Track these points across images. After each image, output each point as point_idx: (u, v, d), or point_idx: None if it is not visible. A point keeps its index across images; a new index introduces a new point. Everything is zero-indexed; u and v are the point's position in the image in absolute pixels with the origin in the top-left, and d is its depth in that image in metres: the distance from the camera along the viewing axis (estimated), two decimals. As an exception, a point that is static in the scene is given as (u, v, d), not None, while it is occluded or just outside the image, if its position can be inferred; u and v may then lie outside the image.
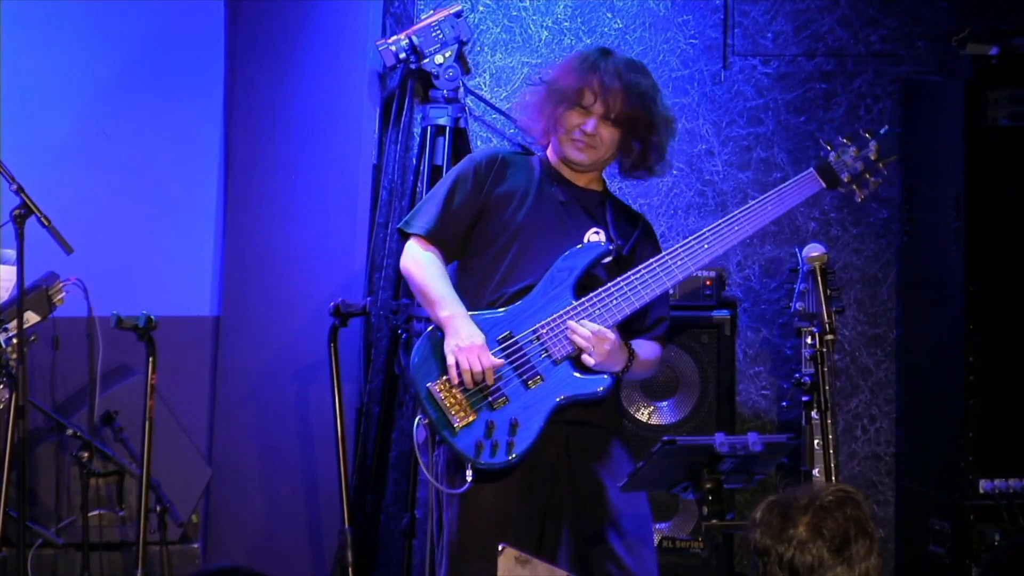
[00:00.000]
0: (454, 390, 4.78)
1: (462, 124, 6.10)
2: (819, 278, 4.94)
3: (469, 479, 4.73)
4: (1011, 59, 5.89)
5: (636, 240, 4.98)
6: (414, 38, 6.04)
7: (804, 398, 4.95)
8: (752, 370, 6.36)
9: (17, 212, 5.26)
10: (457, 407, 4.77)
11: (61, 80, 6.18)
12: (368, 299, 5.94)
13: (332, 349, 5.83)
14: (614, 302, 4.82)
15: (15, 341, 5.27)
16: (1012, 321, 5.87)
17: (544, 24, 6.34)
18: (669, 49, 6.36)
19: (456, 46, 6.06)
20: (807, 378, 4.94)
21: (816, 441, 4.91)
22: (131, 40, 6.26)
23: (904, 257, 6.30)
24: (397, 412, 6.16)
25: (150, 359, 5.53)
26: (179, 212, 6.32)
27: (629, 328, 4.90)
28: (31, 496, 5.74)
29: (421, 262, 4.91)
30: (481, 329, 4.79)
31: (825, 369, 4.90)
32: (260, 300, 6.31)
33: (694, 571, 5.85)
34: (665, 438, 4.55)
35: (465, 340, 4.76)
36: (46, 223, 5.24)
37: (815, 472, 4.89)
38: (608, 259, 4.90)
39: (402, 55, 6.05)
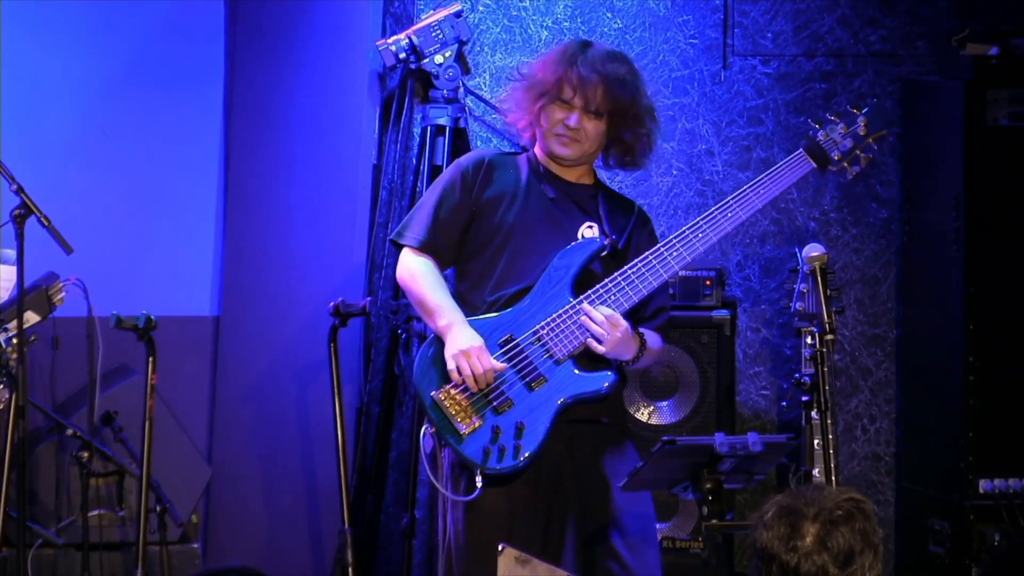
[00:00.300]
0: (458, 397, 4.77)
1: (462, 124, 6.10)
2: (819, 278, 4.93)
3: (479, 485, 4.71)
4: (1011, 59, 5.89)
5: (631, 231, 4.96)
6: (414, 38, 6.04)
7: (804, 398, 4.94)
8: (752, 370, 6.36)
9: (17, 212, 5.26)
10: (462, 414, 4.76)
11: (61, 80, 6.18)
12: (368, 299, 5.94)
13: (332, 349, 5.82)
14: (612, 297, 4.81)
15: (15, 341, 5.27)
16: (1012, 321, 5.87)
17: (544, 24, 6.34)
18: (669, 49, 6.36)
19: (456, 46, 6.06)
20: (807, 378, 4.94)
21: (816, 441, 4.90)
22: (131, 40, 6.26)
23: (904, 257, 6.30)
24: (397, 412, 6.16)
25: (150, 359, 5.53)
26: (179, 212, 6.32)
27: (631, 319, 4.88)
28: (31, 496, 5.74)
29: (416, 272, 4.90)
30: (482, 334, 4.78)
31: (825, 369, 4.90)
32: (260, 300, 6.31)
33: (694, 571, 5.85)
34: (665, 438, 4.55)
35: (464, 344, 4.75)
36: (46, 223, 5.24)
37: (815, 472, 4.88)
38: (604, 253, 4.89)
39: (402, 55, 6.05)
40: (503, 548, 4.31)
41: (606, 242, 4.89)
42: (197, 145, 6.34)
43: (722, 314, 6.00)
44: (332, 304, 5.81)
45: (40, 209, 5.25)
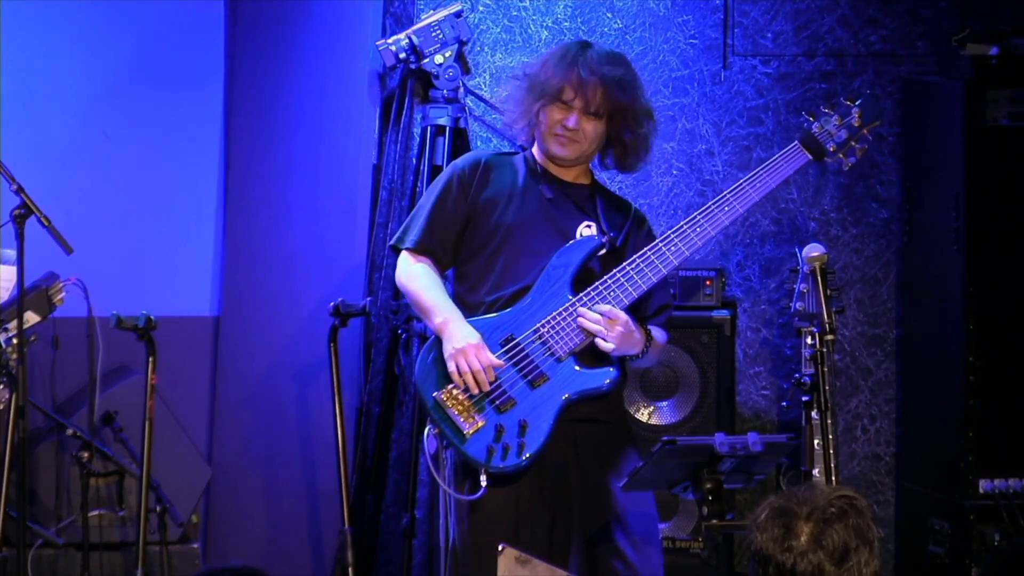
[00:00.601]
0: (460, 396, 4.76)
1: (462, 124, 6.10)
2: (819, 278, 4.93)
3: (484, 485, 4.71)
4: (1011, 59, 5.89)
5: (628, 230, 4.96)
6: (414, 38, 6.04)
7: (804, 398, 4.94)
8: (752, 370, 6.36)
9: (17, 212, 5.26)
10: (465, 413, 4.75)
11: (61, 80, 6.18)
12: (368, 299, 5.94)
13: (332, 349, 5.82)
14: (612, 294, 4.81)
15: (15, 341, 5.27)
16: (1012, 321, 5.87)
17: (544, 24, 6.34)
18: (669, 49, 6.36)
19: (456, 46, 6.06)
20: (807, 378, 4.94)
21: (816, 441, 4.90)
22: (131, 40, 6.26)
23: (904, 257, 6.30)
24: (397, 412, 6.16)
25: (150, 359, 5.53)
26: (179, 212, 6.32)
27: (633, 317, 4.88)
28: (31, 496, 5.74)
29: (413, 274, 4.91)
30: (483, 333, 4.78)
31: (825, 369, 4.90)
32: (260, 300, 6.31)
33: (694, 571, 5.85)
34: (665, 438, 4.54)
35: (461, 342, 4.75)
36: (46, 223, 5.24)
37: (815, 472, 4.88)
38: (602, 251, 4.89)
39: (402, 55, 6.05)
40: (503, 548, 4.31)
41: (604, 240, 4.89)
42: (197, 145, 6.34)
43: (722, 314, 6.00)
44: (332, 304, 5.81)
45: (40, 209, 5.25)
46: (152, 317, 5.51)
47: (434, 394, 4.78)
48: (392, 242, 5.03)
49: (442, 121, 6.08)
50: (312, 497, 6.24)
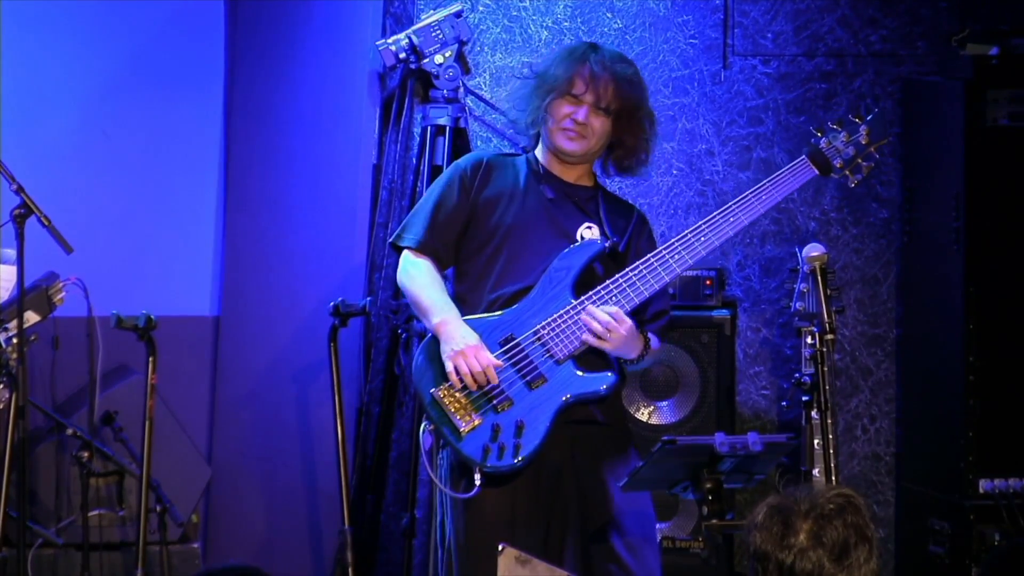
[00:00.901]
0: (457, 395, 4.77)
1: (462, 124, 6.10)
2: (819, 278, 4.93)
3: (478, 483, 4.71)
4: (1011, 59, 5.89)
5: (631, 234, 4.97)
6: (414, 38, 6.04)
7: (804, 398, 4.94)
8: (752, 370, 6.36)
9: (17, 212, 5.26)
10: (462, 411, 4.76)
11: (61, 80, 6.18)
12: (368, 299, 5.94)
13: (332, 349, 5.83)
14: (614, 299, 4.82)
15: (15, 341, 5.27)
16: (1012, 321, 5.87)
17: (544, 24, 6.34)
18: (669, 49, 6.36)
19: (456, 46, 6.06)
20: (807, 378, 4.94)
21: (816, 441, 4.90)
22: (131, 40, 6.26)
23: (904, 257, 6.30)
24: (397, 412, 6.16)
25: (150, 359, 5.53)
26: (179, 212, 6.32)
27: (634, 320, 4.89)
28: (31, 496, 5.74)
29: (412, 273, 4.91)
30: (482, 333, 4.78)
31: (825, 369, 4.90)
32: (260, 300, 6.31)
33: (694, 571, 5.85)
34: (665, 438, 4.54)
35: (460, 343, 4.75)
36: (46, 223, 5.24)
37: (815, 472, 4.88)
38: (605, 254, 4.89)
39: (402, 55, 6.05)
40: (503, 548, 4.31)
41: (607, 244, 4.89)
42: (197, 145, 6.34)
43: (722, 314, 6.01)
44: (332, 304, 5.81)
45: (40, 209, 5.25)
46: (152, 317, 5.51)
47: (431, 391, 4.78)
48: (392, 240, 5.03)
49: (442, 121, 6.08)
50: (312, 497, 6.24)
